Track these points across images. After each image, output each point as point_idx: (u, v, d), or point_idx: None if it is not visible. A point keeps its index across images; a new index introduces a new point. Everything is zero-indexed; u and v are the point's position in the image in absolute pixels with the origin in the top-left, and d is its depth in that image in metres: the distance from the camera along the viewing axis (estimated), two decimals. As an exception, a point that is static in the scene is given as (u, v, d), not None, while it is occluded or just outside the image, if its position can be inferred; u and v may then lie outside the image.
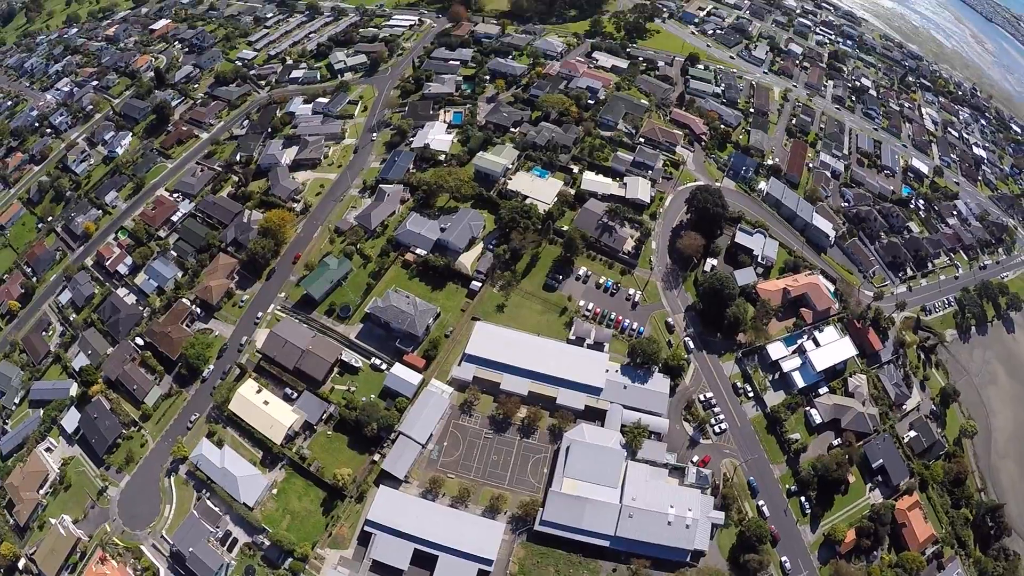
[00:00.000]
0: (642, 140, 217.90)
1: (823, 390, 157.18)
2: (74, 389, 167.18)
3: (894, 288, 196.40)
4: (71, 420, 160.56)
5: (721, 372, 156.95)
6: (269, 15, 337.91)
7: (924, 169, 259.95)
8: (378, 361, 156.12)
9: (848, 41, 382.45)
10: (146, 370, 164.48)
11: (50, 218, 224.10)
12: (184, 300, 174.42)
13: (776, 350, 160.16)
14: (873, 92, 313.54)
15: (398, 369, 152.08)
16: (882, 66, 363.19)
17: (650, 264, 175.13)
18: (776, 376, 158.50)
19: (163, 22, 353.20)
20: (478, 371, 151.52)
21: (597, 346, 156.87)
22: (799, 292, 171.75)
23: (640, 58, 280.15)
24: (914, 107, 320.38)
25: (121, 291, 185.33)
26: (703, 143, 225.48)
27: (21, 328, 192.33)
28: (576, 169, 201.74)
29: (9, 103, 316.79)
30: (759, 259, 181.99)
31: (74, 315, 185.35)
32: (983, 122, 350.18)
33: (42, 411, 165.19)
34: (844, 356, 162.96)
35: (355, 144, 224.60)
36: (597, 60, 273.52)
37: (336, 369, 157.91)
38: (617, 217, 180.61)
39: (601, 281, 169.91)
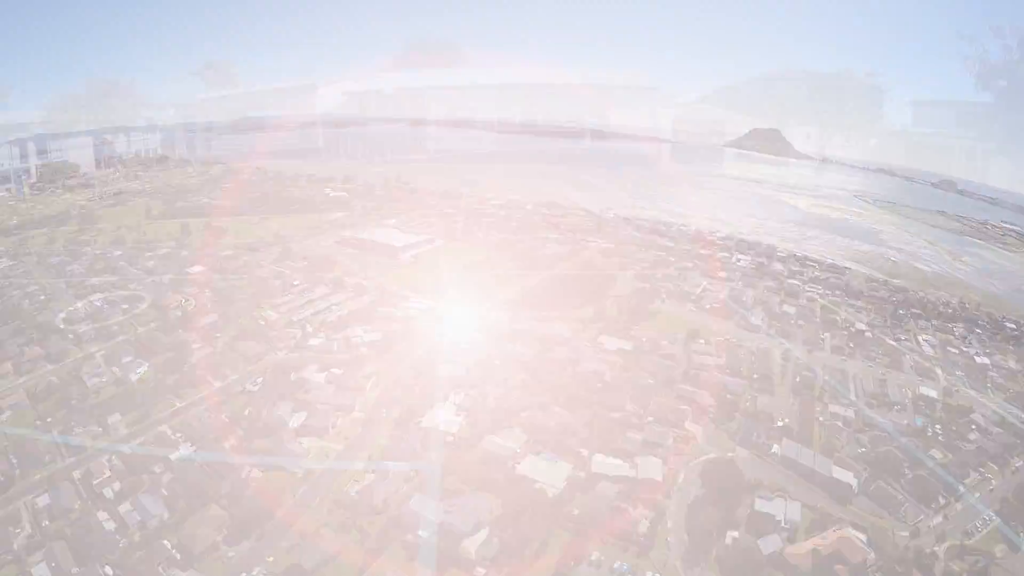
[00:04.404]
0: (650, 419, 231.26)
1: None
2: None
3: (929, 521, 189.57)
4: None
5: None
6: (296, 283, 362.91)
7: (933, 394, 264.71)
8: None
9: (836, 292, 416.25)
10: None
11: (49, 419, 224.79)
12: (165, 542, 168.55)
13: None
14: (868, 334, 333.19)
15: None
16: (872, 307, 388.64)
17: (667, 546, 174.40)
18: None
19: (198, 267, 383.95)
20: None
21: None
22: (830, 550, 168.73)
23: (643, 339, 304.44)
24: (910, 337, 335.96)
25: (101, 514, 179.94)
26: (711, 416, 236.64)
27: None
28: (585, 453, 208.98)
29: (42, 297, 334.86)
30: (782, 524, 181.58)
31: (47, 522, 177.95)
32: (978, 330, 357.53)
33: None
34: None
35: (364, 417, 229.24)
36: (602, 344, 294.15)
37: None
38: (628, 500, 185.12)
39: (615, 567, 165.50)
